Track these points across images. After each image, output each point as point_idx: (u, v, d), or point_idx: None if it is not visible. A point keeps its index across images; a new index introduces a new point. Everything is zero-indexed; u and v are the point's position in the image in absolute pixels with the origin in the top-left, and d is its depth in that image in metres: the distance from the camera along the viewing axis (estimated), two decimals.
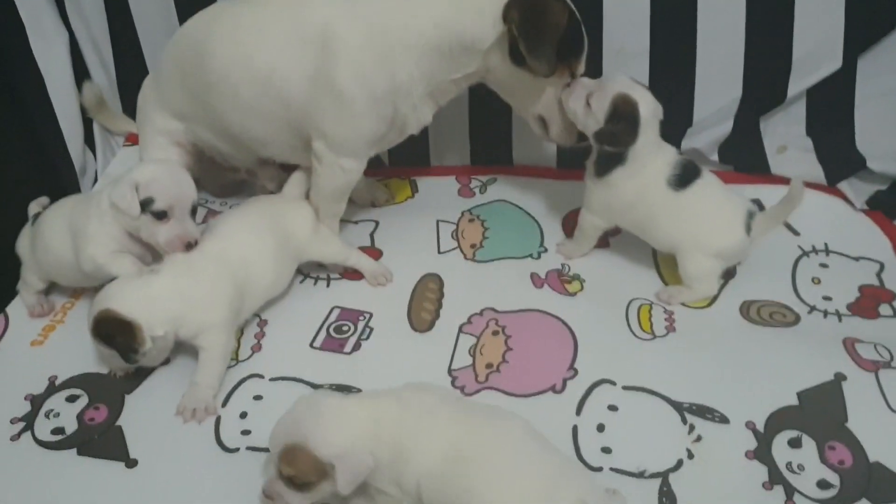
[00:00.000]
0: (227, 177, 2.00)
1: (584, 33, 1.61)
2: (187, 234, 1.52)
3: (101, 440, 1.45)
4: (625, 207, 1.66)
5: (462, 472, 1.16)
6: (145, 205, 1.48)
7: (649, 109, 1.58)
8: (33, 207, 1.78)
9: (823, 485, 1.30)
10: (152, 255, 1.60)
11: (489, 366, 1.54)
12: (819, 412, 1.42)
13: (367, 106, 1.57)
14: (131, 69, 2.13)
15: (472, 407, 1.32)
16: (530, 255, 1.83)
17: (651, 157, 1.61)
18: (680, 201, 1.62)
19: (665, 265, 1.77)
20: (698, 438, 1.38)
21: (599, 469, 1.34)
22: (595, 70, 1.89)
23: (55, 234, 1.62)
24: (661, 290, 1.71)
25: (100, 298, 1.46)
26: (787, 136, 1.97)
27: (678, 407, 1.44)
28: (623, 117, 1.56)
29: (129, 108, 2.17)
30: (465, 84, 1.66)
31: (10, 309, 1.74)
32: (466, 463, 1.17)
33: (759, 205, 1.88)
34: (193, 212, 1.54)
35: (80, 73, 2.09)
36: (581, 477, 1.21)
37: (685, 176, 1.62)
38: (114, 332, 1.43)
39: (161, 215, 1.50)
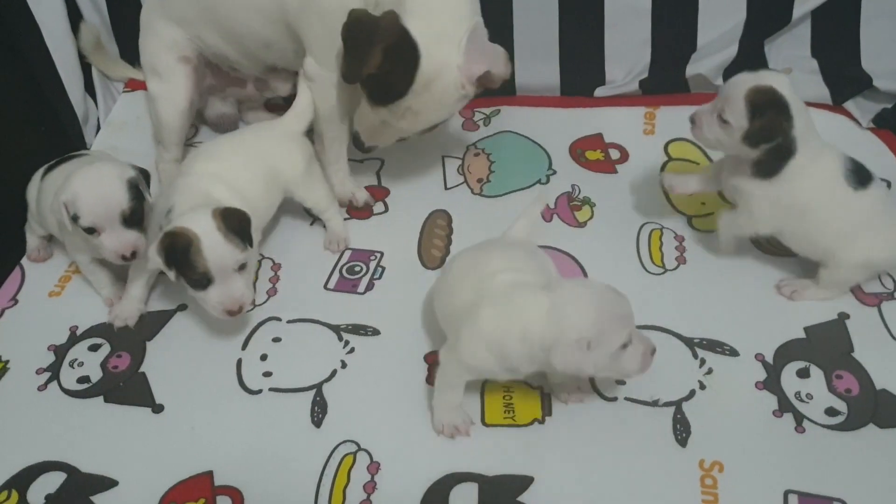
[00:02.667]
0: (230, 94, 1.97)
1: (401, 91, 1.45)
2: (121, 247, 1.47)
3: (127, 387, 1.48)
4: (798, 206, 1.44)
5: None
6: (75, 220, 1.45)
7: (788, 88, 1.39)
8: None
9: (831, 412, 1.35)
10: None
11: None
12: (825, 344, 1.45)
13: (344, 14, 1.47)
14: (125, 12, 2.08)
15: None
16: (539, 181, 1.83)
17: (820, 144, 1.43)
18: (856, 203, 1.43)
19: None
20: (709, 371, 1.42)
21: (614, 399, 1.39)
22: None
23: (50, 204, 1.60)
24: (785, 282, 1.56)
25: None
26: (792, 58, 1.96)
27: (689, 342, 1.47)
28: (766, 106, 1.37)
29: (126, 53, 2.15)
30: None
31: (25, 261, 1.75)
32: None
33: None
34: (129, 219, 1.47)
35: (75, 19, 2.05)
36: None
37: (861, 175, 1.44)
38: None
39: (90, 231, 1.46)
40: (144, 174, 1.53)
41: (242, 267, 1.44)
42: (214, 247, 1.39)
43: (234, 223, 1.42)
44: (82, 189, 1.44)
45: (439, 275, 1.51)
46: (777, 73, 1.44)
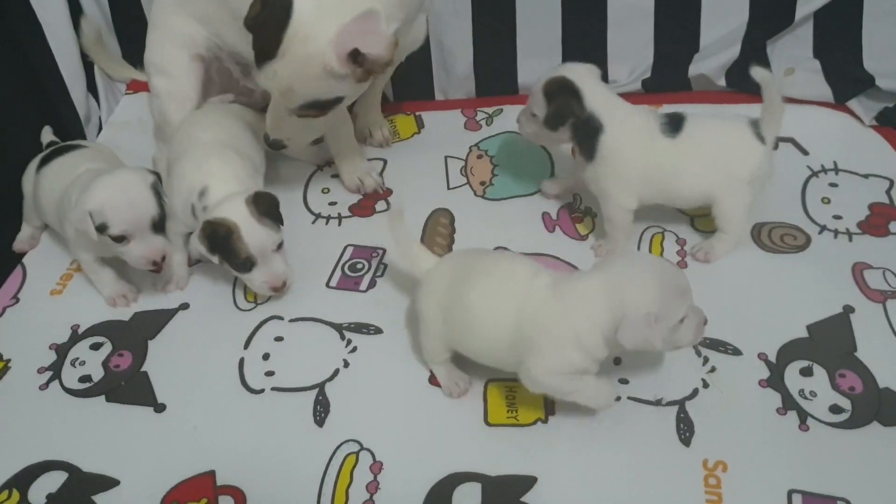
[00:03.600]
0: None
1: (271, 49, 1.44)
2: (151, 253, 1.50)
3: (129, 386, 1.48)
4: (637, 172, 1.54)
5: None
6: (102, 230, 1.45)
7: (578, 73, 1.53)
8: (45, 135, 1.81)
9: (835, 409, 1.34)
10: None
11: None
12: (828, 343, 1.45)
13: None
14: (127, 11, 2.09)
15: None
16: (540, 190, 1.82)
17: (627, 112, 1.54)
18: (685, 145, 1.54)
19: None
20: (713, 369, 1.41)
21: (617, 398, 1.37)
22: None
23: (51, 200, 1.62)
24: (694, 247, 1.64)
25: None
26: (794, 58, 1.95)
27: None
28: (557, 91, 1.52)
29: (128, 53, 2.15)
30: None
31: (26, 260, 1.75)
32: None
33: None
34: (157, 226, 1.50)
35: (78, 18, 2.06)
36: None
37: (675, 121, 1.55)
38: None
39: (119, 239, 1.47)
40: (159, 177, 1.56)
41: (279, 246, 1.54)
42: (252, 233, 1.49)
43: (265, 207, 1.52)
44: (110, 198, 1.45)
45: (433, 313, 1.37)
46: (577, 65, 1.56)
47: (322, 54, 1.40)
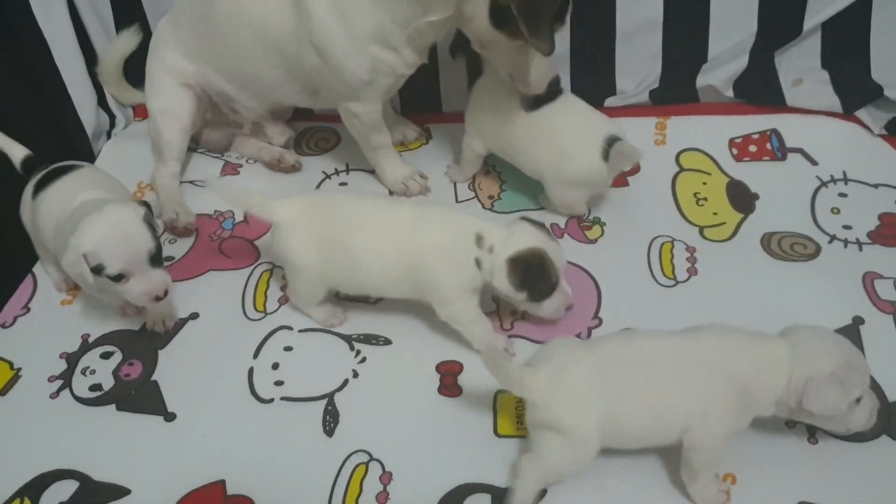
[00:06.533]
0: (225, 131, 2.03)
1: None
2: (152, 289, 1.43)
3: (139, 395, 1.49)
4: (489, 126, 1.73)
5: None
6: (98, 271, 1.38)
7: None
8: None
9: None
10: None
11: (514, 313, 1.56)
12: None
13: (345, 56, 1.59)
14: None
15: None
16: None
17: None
18: (536, 123, 1.65)
19: (684, 200, 1.79)
20: None
21: None
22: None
23: (50, 227, 1.54)
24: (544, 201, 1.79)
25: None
26: (802, 69, 1.95)
27: None
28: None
29: (130, 76, 2.12)
30: (444, 29, 1.61)
31: (36, 269, 1.76)
32: None
33: (777, 134, 1.91)
34: (155, 258, 1.43)
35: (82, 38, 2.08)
36: None
37: (539, 99, 1.63)
38: None
39: (118, 278, 1.40)
40: (149, 208, 1.50)
41: None
42: (554, 252, 1.42)
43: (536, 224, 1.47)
44: (103, 238, 1.38)
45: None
46: None
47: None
